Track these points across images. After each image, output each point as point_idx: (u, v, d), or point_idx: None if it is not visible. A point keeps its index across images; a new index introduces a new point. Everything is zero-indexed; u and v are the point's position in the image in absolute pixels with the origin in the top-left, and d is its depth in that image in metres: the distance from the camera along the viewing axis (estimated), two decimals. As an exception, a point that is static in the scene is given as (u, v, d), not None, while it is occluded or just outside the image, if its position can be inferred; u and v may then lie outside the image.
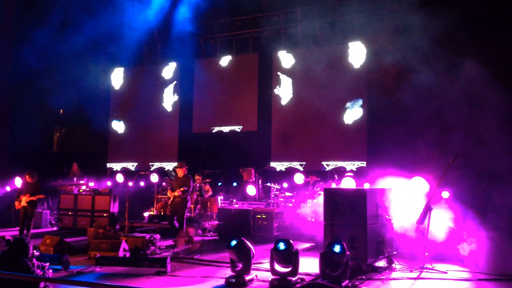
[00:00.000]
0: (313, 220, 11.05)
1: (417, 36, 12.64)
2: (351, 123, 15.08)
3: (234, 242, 7.38)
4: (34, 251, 6.04)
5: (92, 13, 17.44)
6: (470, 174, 10.47)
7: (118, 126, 19.53)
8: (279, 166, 16.18)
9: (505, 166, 10.57)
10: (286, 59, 16.47)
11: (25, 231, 11.92)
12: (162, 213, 13.39)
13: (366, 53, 15.04)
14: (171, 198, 11.89)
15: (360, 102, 14.98)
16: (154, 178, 14.01)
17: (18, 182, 15.42)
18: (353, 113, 15.11)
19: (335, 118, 15.29)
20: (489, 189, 10.18)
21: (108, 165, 19.35)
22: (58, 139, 20.81)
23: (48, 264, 6.10)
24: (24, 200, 11.77)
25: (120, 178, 16.04)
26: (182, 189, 11.57)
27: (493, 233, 8.85)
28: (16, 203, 11.95)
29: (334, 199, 8.42)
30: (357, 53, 15.20)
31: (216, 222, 12.76)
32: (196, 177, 14.07)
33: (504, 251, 8.58)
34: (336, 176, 12.44)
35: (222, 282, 7.42)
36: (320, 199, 10.14)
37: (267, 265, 7.81)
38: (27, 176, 12.01)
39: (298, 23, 16.18)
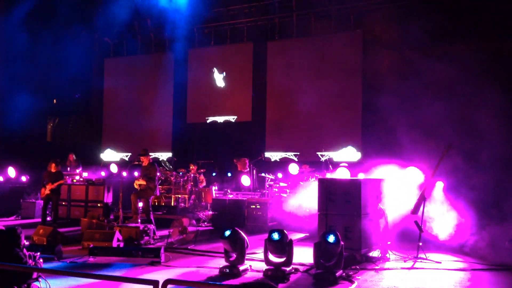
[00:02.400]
0: (307, 210, 11.04)
1: (414, 26, 12.60)
2: (346, 113, 15.05)
3: (228, 232, 7.35)
4: (25, 241, 5.97)
5: (87, 1, 17.28)
6: (464, 163, 10.47)
7: (112, 117, 19.42)
8: (273, 156, 16.15)
9: (500, 155, 10.59)
10: (280, 48, 16.38)
11: (49, 218, 12.51)
12: (156, 203, 13.34)
13: (361, 42, 14.98)
14: (138, 189, 11.02)
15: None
16: (148, 168, 13.91)
17: (11, 172, 15.38)
18: (348, 104, 15.08)
19: (330, 108, 15.26)
20: (484, 179, 10.19)
21: (102, 155, 19.26)
22: (52, 129, 20.69)
23: (39, 253, 6.04)
24: (48, 188, 12.17)
25: (114, 168, 15.96)
26: (145, 178, 10.88)
27: (487, 223, 8.87)
28: (43, 190, 12.35)
29: (328, 189, 8.40)
30: (352, 43, 15.14)
31: (211, 212, 12.73)
32: (190, 167, 14.02)
33: (498, 241, 8.61)
34: (330, 166, 12.42)
35: (216, 272, 7.39)
36: (314, 189, 10.10)
37: (261, 255, 7.80)
38: (53, 165, 12.42)
39: (293, 12, 16.09)
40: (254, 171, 13.77)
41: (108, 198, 13.99)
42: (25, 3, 17.04)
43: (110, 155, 19.05)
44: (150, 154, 12.07)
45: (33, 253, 5.95)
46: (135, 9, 17.19)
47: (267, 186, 12.90)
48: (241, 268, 7.26)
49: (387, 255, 8.46)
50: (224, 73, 17.31)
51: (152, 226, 10.22)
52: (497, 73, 11.43)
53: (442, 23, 11.96)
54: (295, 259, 7.48)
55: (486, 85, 11.03)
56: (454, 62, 11.86)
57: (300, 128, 15.78)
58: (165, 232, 10.48)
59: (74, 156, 15.43)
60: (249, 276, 7.24)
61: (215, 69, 17.46)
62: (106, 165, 17.40)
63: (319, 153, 15.24)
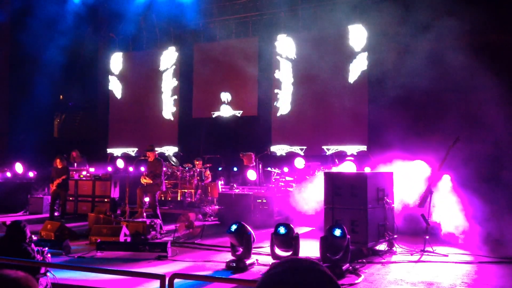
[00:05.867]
0: (314, 204, 11.02)
1: (419, 19, 12.51)
2: (352, 107, 15.01)
3: (234, 227, 7.36)
4: (32, 236, 6.00)
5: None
6: (471, 157, 10.42)
7: (118, 112, 19.47)
8: (279, 150, 16.14)
9: (507, 148, 10.53)
10: (286, 42, 16.34)
11: (57, 213, 12.57)
12: (162, 198, 13.39)
13: (366, 36, 14.92)
14: (144, 184, 11.22)
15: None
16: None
17: (18, 167, 15.48)
18: (354, 97, 15.03)
19: (336, 102, 15.20)
20: (491, 172, 10.15)
21: (109, 150, 19.33)
22: (59, 125, 20.77)
23: (47, 248, 6.08)
24: (54, 184, 12.26)
25: (120, 163, 16.00)
26: (151, 175, 11.06)
27: (494, 216, 8.83)
28: (51, 186, 12.50)
29: (334, 183, 8.39)
30: (357, 36, 15.08)
31: (217, 207, 12.77)
32: (196, 162, 14.04)
33: (506, 234, 8.58)
34: (336, 160, 12.41)
35: (222, 266, 7.41)
36: (320, 183, 10.09)
37: (267, 249, 7.81)
38: (57, 161, 12.45)
39: (299, 6, 16.02)
40: (260, 165, 13.78)
41: (115, 193, 14.07)
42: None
43: (116, 150, 19.12)
44: (156, 149, 12.12)
45: (41, 248, 5.99)
46: (141, 5, 17.17)
47: (273, 180, 12.90)
48: (248, 262, 7.28)
49: (394, 248, 8.45)
50: (230, 67, 17.26)
51: (158, 221, 10.26)
52: (505, 66, 11.33)
53: (448, 15, 11.86)
54: (302, 253, 7.49)
55: (494, 78, 10.95)
56: (461, 56, 11.78)
57: (306, 122, 15.75)
58: (171, 226, 10.53)
59: (78, 152, 15.48)
60: (256, 270, 7.26)
61: (220, 64, 17.42)
62: (113, 160, 17.47)
63: (325, 147, 15.22)
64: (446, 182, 9.20)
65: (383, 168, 9.38)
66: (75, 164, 15.17)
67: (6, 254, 5.50)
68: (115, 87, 19.59)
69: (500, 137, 10.76)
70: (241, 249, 7.35)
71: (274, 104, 16.47)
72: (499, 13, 12.25)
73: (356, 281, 6.53)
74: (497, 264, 7.58)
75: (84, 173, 14.74)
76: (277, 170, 13.17)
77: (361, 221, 8.02)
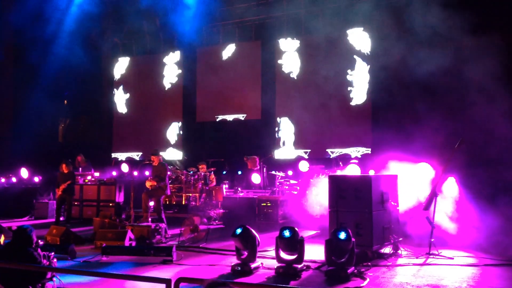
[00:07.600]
0: (318, 207, 11.03)
1: (421, 22, 12.52)
2: (355, 110, 15.02)
3: (239, 230, 7.37)
4: (39, 241, 6.02)
5: (96, 1, 17.37)
6: (476, 159, 10.40)
7: (123, 116, 19.53)
8: (283, 154, 16.14)
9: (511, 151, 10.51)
10: (289, 46, 16.36)
11: (62, 218, 12.61)
12: (167, 202, 13.41)
13: (369, 39, 14.93)
14: (149, 188, 11.25)
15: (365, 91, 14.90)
16: (159, 167, 13.96)
17: (24, 172, 15.55)
18: (357, 100, 15.03)
19: (339, 105, 15.20)
20: (495, 175, 10.13)
21: (113, 155, 19.38)
22: (63, 130, 20.84)
23: (53, 253, 6.10)
24: (60, 189, 12.34)
25: (125, 167, 16.06)
26: (156, 179, 11.13)
27: (499, 218, 8.81)
28: (57, 190, 12.58)
29: (339, 186, 8.39)
30: (360, 40, 15.09)
31: (221, 210, 12.77)
32: (200, 166, 14.04)
33: (511, 236, 8.56)
34: (340, 163, 12.40)
35: (228, 270, 7.43)
36: (324, 187, 10.09)
37: (272, 253, 7.81)
38: (63, 166, 12.54)
39: (301, 9, 16.04)
40: (264, 168, 13.78)
41: (120, 197, 14.10)
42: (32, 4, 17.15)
43: (121, 155, 19.17)
44: (161, 153, 12.15)
45: (48, 253, 6.01)
46: (144, 9, 17.23)
47: (278, 183, 12.91)
48: (253, 265, 7.29)
49: (399, 251, 8.44)
50: (233, 71, 17.29)
51: (163, 225, 10.28)
52: (508, 67, 11.31)
53: (452, 16, 11.85)
54: (307, 256, 7.49)
55: (498, 80, 10.94)
56: (465, 56, 11.77)
57: (310, 125, 15.74)
58: (176, 230, 10.55)
59: (83, 157, 15.52)
60: (261, 273, 7.27)
61: (223, 68, 17.45)
62: (118, 164, 17.52)
63: (329, 150, 15.22)
64: (451, 184, 9.19)
65: (387, 171, 9.37)
66: (80, 168, 15.20)
67: (12, 259, 5.53)
68: (119, 91, 19.65)
69: (505, 139, 10.74)
70: (246, 253, 7.36)
71: (277, 107, 16.48)
72: (501, 12, 12.24)
73: (362, 285, 6.52)
74: (502, 267, 7.56)
75: (89, 177, 14.77)
76: (281, 174, 13.17)
77: (366, 224, 8.01)
